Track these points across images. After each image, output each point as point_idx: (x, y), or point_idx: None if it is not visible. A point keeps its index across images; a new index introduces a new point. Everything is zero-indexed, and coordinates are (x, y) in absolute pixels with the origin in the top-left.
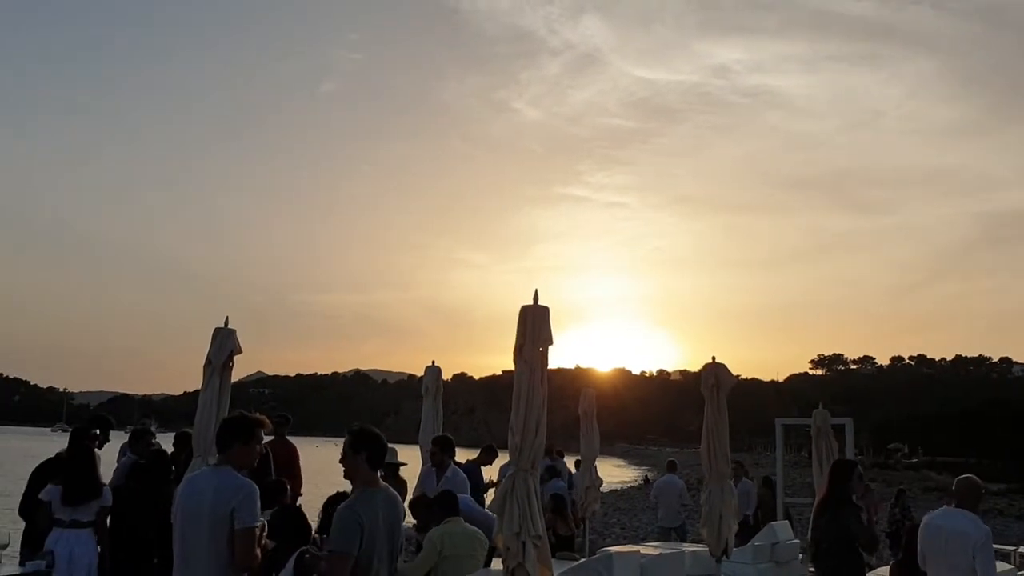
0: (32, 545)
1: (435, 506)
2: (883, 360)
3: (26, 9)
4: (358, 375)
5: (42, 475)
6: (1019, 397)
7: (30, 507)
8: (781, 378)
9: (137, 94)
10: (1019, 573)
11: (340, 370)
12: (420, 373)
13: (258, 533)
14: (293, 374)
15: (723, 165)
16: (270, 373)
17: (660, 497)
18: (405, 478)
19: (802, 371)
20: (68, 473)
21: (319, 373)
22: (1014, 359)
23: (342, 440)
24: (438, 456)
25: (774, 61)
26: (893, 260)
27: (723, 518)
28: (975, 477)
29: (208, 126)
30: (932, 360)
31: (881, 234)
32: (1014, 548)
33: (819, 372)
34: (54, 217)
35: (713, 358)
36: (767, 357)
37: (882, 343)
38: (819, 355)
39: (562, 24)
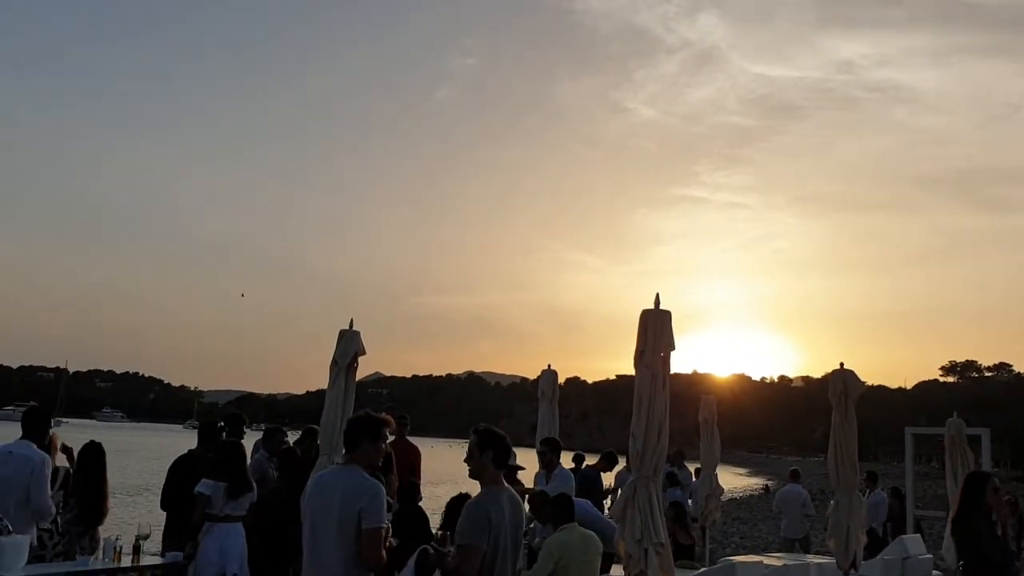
0: (173, 537)
1: (551, 509)
2: (1021, 367)
3: (172, 13)
4: (472, 377)
5: (179, 470)
6: None
7: (171, 500)
8: (909, 385)
9: (264, 102)
10: None
11: (454, 372)
12: (533, 376)
13: (384, 532)
14: (409, 375)
15: (848, 163)
16: (387, 374)
17: (783, 507)
18: (523, 481)
19: (932, 378)
20: (227, 468)
21: (434, 375)
22: None
23: (456, 441)
24: (547, 457)
25: (901, 54)
26: None
27: (851, 530)
28: None
29: (330, 134)
30: None
31: (1016, 233)
32: None
33: (950, 379)
34: (186, 223)
35: (841, 364)
36: (894, 363)
37: (1019, 349)
38: (950, 361)
39: (678, 21)
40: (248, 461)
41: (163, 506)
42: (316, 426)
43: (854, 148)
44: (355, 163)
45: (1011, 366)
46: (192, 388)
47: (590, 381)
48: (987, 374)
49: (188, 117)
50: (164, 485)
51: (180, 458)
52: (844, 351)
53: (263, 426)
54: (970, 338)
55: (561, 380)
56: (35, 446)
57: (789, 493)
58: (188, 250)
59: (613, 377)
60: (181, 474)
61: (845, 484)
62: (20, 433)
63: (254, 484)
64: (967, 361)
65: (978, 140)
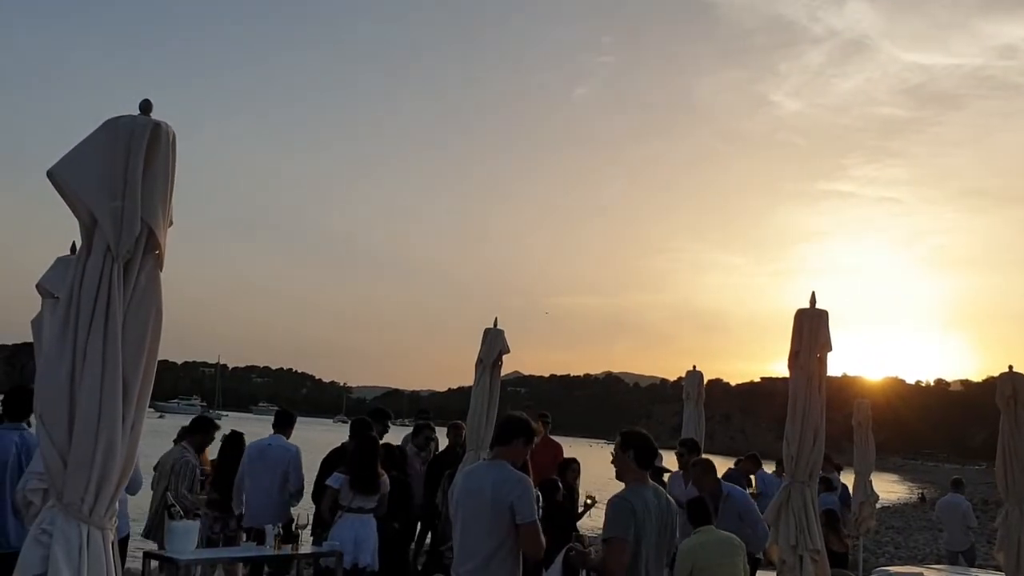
0: (323, 527)
1: (687, 513)
2: None
3: (330, 23)
4: (610, 377)
5: (330, 463)
6: None
7: (321, 493)
8: None
9: (411, 109)
10: None
11: (592, 372)
12: (671, 377)
13: (539, 525)
14: (548, 375)
15: (1012, 153)
16: (526, 373)
17: (944, 517)
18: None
19: None
20: (354, 463)
21: (572, 374)
22: None
23: (596, 441)
24: (685, 458)
25: None
26: None
27: (1022, 543)
28: None
29: (472, 137)
30: None
31: None
32: None
33: None
34: (339, 228)
35: (1010, 367)
36: None
37: None
38: None
39: (825, 10)
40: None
41: (313, 498)
42: (460, 422)
43: (1018, 138)
44: (497, 166)
45: None
46: (341, 384)
47: (732, 383)
48: None
49: (349, 128)
50: (316, 478)
51: (332, 452)
52: (1010, 353)
53: (406, 421)
54: None
55: (704, 381)
56: (286, 439)
57: (950, 503)
58: (342, 252)
59: (757, 379)
60: (332, 467)
61: (1015, 494)
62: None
63: (385, 478)
64: None
65: None
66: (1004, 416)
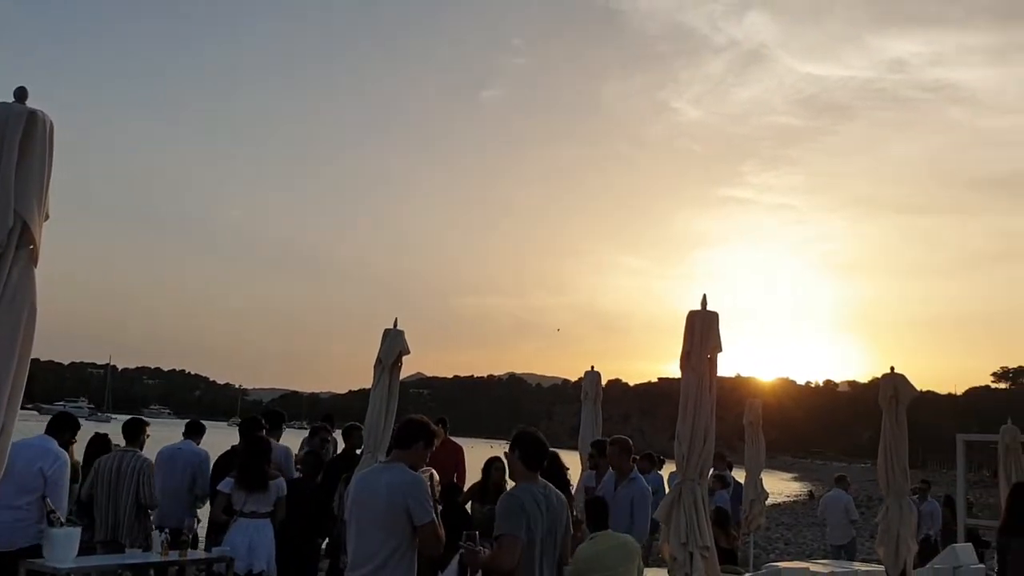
0: (216, 533)
1: (586, 513)
2: None
3: (222, 14)
4: (513, 378)
5: (221, 467)
6: None
7: (212, 497)
8: (959, 391)
9: (313, 103)
10: None
11: (496, 372)
12: (574, 378)
13: (437, 523)
14: (451, 376)
15: (900, 164)
16: (429, 374)
17: (827, 513)
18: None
19: (982, 384)
20: (241, 464)
21: (475, 375)
22: None
23: (497, 442)
24: (595, 459)
25: (957, 53)
26: None
27: (901, 537)
28: None
29: (372, 131)
30: None
31: None
32: None
33: (1002, 386)
34: (230, 222)
35: (892, 368)
36: (944, 369)
37: None
38: (1002, 367)
39: (726, 20)
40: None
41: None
42: (358, 423)
43: (907, 149)
44: (401, 163)
45: None
46: (236, 386)
47: (632, 383)
48: None
49: (247, 124)
50: (208, 484)
51: (223, 455)
52: (893, 356)
53: (305, 424)
54: (1022, 344)
55: (603, 382)
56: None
57: (833, 499)
58: (239, 250)
59: (655, 380)
60: (223, 470)
61: (895, 491)
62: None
63: (280, 481)
64: (1019, 367)
65: None
66: (886, 415)
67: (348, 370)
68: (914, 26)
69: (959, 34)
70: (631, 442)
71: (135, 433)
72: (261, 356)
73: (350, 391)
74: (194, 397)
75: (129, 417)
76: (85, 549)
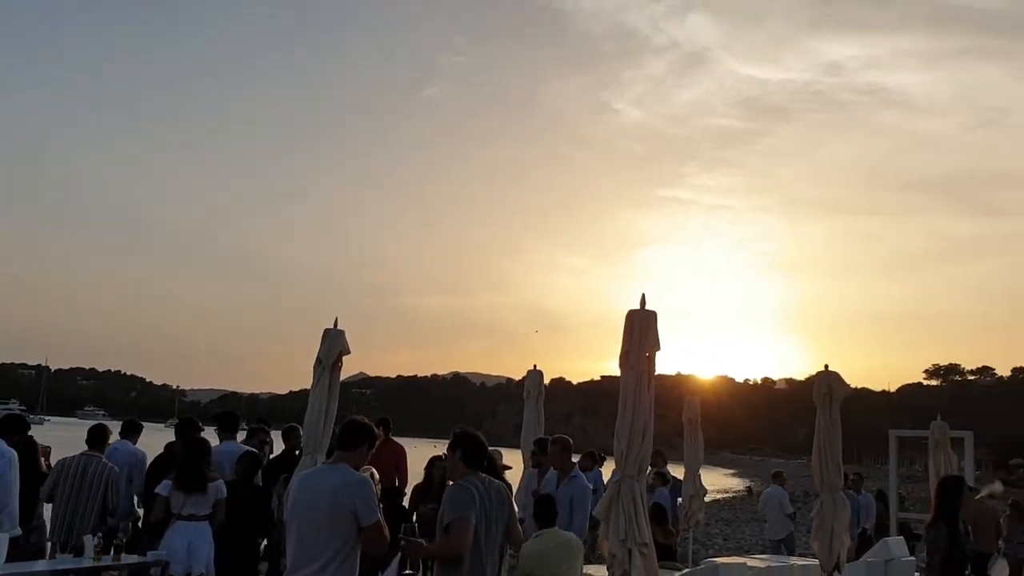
0: (152, 535)
1: (534, 511)
2: (1003, 371)
3: (144, 12)
4: (457, 378)
5: (158, 468)
6: None
7: (148, 500)
8: (893, 388)
9: (249, 97)
10: None
11: (439, 372)
12: (518, 377)
13: (382, 523)
14: (394, 375)
15: (836, 166)
16: (372, 374)
17: (765, 508)
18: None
19: (916, 381)
20: (180, 465)
21: (419, 375)
22: None
23: (441, 442)
24: (538, 457)
25: (891, 57)
26: (1018, 265)
27: (835, 532)
28: None
29: (313, 129)
30: None
31: (1005, 238)
32: None
33: (934, 383)
34: (166, 220)
35: (826, 366)
36: (878, 366)
37: (1004, 353)
38: (934, 365)
39: (668, 22)
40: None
41: (144, 506)
42: (298, 424)
43: (843, 151)
44: (342, 160)
45: (993, 370)
46: (174, 387)
47: (575, 382)
48: (970, 378)
49: (172, 112)
50: (143, 485)
51: (158, 457)
52: (829, 354)
53: (244, 425)
54: (954, 342)
55: (546, 381)
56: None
57: (770, 494)
58: (170, 248)
59: (598, 378)
60: (160, 472)
61: (829, 486)
62: None
63: (220, 483)
64: (951, 365)
65: (968, 144)
66: (820, 412)
67: (288, 370)
68: (850, 30)
69: (893, 39)
70: (571, 441)
71: (100, 439)
72: (199, 356)
73: (290, 392)
74: (130, 398)
75: (95, 423)
76: (36, 550)
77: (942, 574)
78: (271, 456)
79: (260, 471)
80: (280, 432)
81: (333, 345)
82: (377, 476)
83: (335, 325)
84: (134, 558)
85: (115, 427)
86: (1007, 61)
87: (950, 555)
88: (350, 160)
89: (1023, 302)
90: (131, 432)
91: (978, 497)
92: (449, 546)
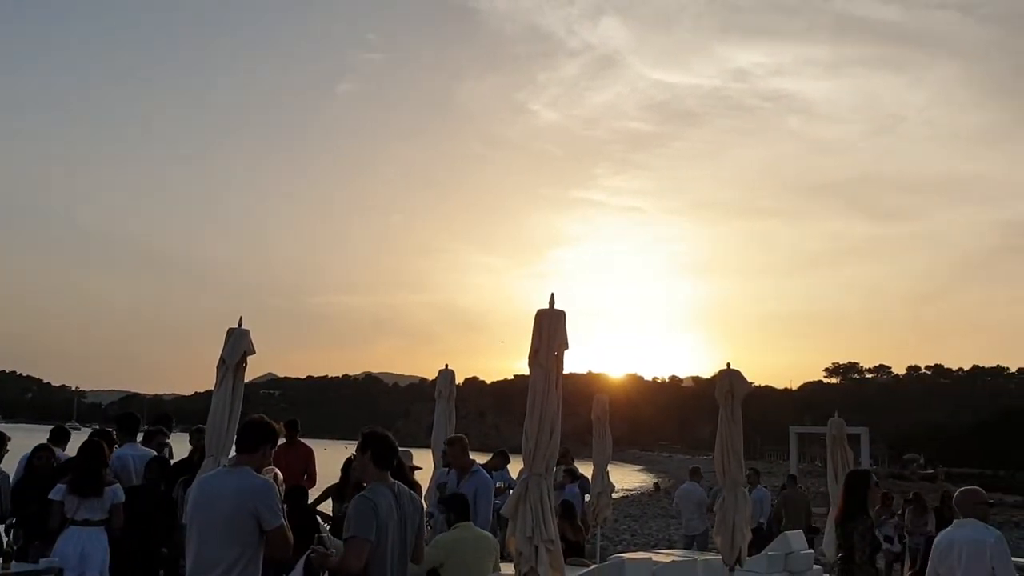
0: (45, 542)
1: (447, 507)
2: (899, 369)
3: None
4: (369, 378)
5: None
6: None
7: (41, 504)
8: (795, 386)
9: (151, 91)
10: None
11: (351, 372)
12: (432, 376)
13: (286, 527)
14: (304, 376)
15: (742, 170)
16: (281, 375)
17: (681, 504)
18: (419, 481)
19: (816, 379)
20: (75, 468)
21: (330, 375)
22: None
23: (353, 443)
24: (447, 458)
25: (795, 64)
26: (913, 268)
27: (736, 526)
28: (976, 488)
29: (221, 125)
30: (949, 370)
31: (902, 241)
32: None
33: (833, 381)
34: (66, 216)
35: (728, 364)
36: (782, 365)
37: (899, 352)
38: (834, 363)
39: (581, 25)
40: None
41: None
42: (204, 426)
43: (748, 155)
44: (249, 155)
45: (890, 368)
46: (73, 388)
47: (488, 381)
48: (867, 376)
49: (76, 106)
50: (39, 491)
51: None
52: (736, 352)
53: (143, 427)
54: (853, 341)
55: (459, 380)
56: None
57: (686, 491)
58: (71, 243)
59: (511, 377)
60: (56, 478)
61: (731, 481)
62: None
63: (111, 488)
64: (849, 363)
65: (866, 150)
66: (722, 409)
67: (194, 371)
68: (757, 37)
69: (798, 47)
70: (466, 439)
71: None
72: (100, 356)
73: (196, 393)
74: (26, 399)
75: None
76: None
77: (871, 564)
78: (172, 460)
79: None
80: (187, 434)
81: (237, 345)
82: (281, 478)
83: (239, 324)
84: (26, 566)
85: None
86: (904, 71)
87: (860, 545)
88: (260, 157)
89: (918, 303)
90: (60, 440)
91: None
92: (344, 564)
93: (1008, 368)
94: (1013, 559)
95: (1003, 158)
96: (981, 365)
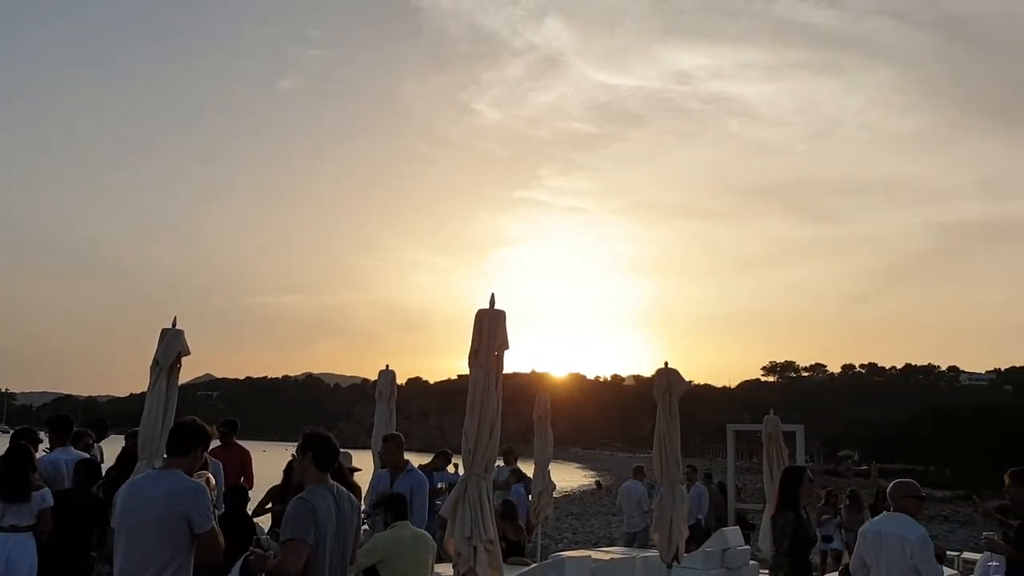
0: None
1: (384, 509)
2: (834, 368)
3: None
4: (310, 378)
5: None
6: (965, 405)
7: None
8: (733, 384)
9: (85, 89)
10: None
11: (292, 373)
12: (374, 377)
13: (216, 531)
14: (243, 377)
15: (683, 171)
16: (219, 376)
17: (623, 502)
18: (359, 483)
19: (754, 378)
20: (0, 473)
21: (269, 376)
22: (962, 368)
23: (293, 444)
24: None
25: (736, 68)
26: (849, 269)
27: (674, 523)
28: (911, 480)
29: (161, 121)
30: (882, 368)
31: (838, 243)
32: (958, 554)
33: (771, 379)
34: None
35: (666, 363)
36: (722, 364)
37: (835, 351)
38: (771, 362)
39: (525, 25)
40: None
41: None
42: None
43: (689, 157)
44: (188, 152)
45: (825, 367)
46: (3, 389)
47: (432, 381)
48: (804, 374)
49: (12, 103)
50: None
51: None
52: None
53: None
54: (790, 340)
55: (402, 380)
56: None
57: (628, 488)
58: (4, 242)
59: (454, 377)
60: None
61: (668, 479)
62: None
63: (40, 491)
64: (786, 362)
65: (804, 153)
66: (660, 408)
67: (129, 372)
68: (698, 40)
69: (737, 50)
70: (402, 437)
71: None
72: (31, 357)
73: (132, 394)
74: None
75: None
76: None
77: (790, 557)
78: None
79: (99, 479)
80: (124, 436)
81: (171, 345)
82: (213, 482)
83: (173, 324)
84: None
85: None
86: (841, 76)
87: (796, 539)
88: (199, 154)
89: (853, 303)
90: None
91: None
92: (282, 566)
93: (939, 366)
94: (948, 552)
95: (937, 161)
96: (913, 364)
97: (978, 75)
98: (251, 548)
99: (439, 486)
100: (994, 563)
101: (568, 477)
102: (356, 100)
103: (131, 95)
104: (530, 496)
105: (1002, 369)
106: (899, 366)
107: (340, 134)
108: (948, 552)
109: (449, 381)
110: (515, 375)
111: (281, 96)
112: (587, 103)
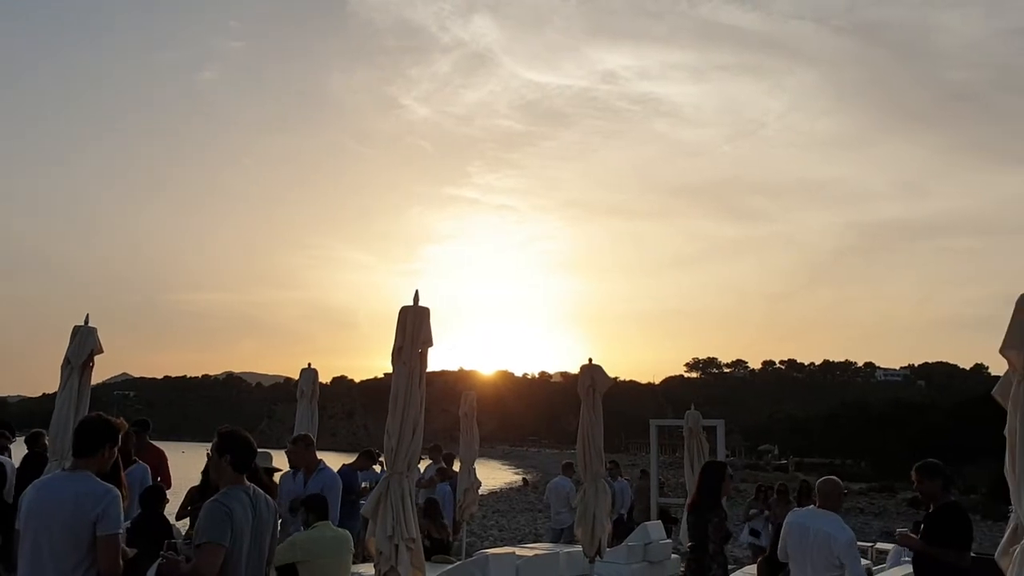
0: None
1: (304, 509)
2: (755, 364)
3: None
4: (230, 378)
5: None
6: (880, 401)
7: None
8: (657, 380)
9: (13, 89)
10: (875, 568)
11: (211, 372)
12: (297, 376)
13: (120, 539)
14: (161, 376)
15: (610, 171)
16: (136, 375)
17: (551, 498)
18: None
19: (678, 374)
20: None
21: (188, 375)
22: (878, 364)
23: (211, 444)
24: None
25: (661, 68)
26: (771, 267)
27: (597, 518)
28: (836, 478)
29: (75, 113)
30: (801, 364)
31: (760, 242)
32: (871, 544)
33: (694, 375)
34: None
35: (590, 360)
36: (646, 360)
37: (756, 348)
38: (694, 358)
39: (453, 21)
40: None
41: None
42: (43, 430)
43: (616, 157)
44: (104, 147)
45: (746, 363)
46: None
47: (357, 380)
48: (726, 370)
49: None
50: None
51: None
52: (602, 349)
53: None
54: (712, 337)
55: (327, 379)
56: None
57: (556, 485)
58: None
59: (380, 376)
60: None
61: (591, 474)
62: None
63: None
64: (708, 358)
65: (728, 153)
66: (584, 404)
67: (41, 372)
68: (624, 41)
69: (663, 51)
70: (311, 437)
71: None
72: None
73: (44, 394)
74: None
75: None
76: None
77: (722, 552)
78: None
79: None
80: (24, 438)
81: (83, 344)
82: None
83: (86, 322)
84: None
85: None
86: (764, 78)
87: (709, 536)
88: (115, 146)
89: (773, 301)
90: None
91: None
92: (196, 570)
93: (856, 363)
94: (859, 543)
95: (854, 163)
96: (831, 360)
97: (897, 79)
98: (162, 553)
99: (363, 485)
100: (907, 559)
101: (494, 474)
102: (279, 93)
103: (44, 90)
104: (456, 494)
105: (915, 365)
106: (817, 362)
107: (263, 127)
108: (863, 543)
109: (375, 379)
110: (442, 373)
111: (201, 87)
112: (516, 101)
